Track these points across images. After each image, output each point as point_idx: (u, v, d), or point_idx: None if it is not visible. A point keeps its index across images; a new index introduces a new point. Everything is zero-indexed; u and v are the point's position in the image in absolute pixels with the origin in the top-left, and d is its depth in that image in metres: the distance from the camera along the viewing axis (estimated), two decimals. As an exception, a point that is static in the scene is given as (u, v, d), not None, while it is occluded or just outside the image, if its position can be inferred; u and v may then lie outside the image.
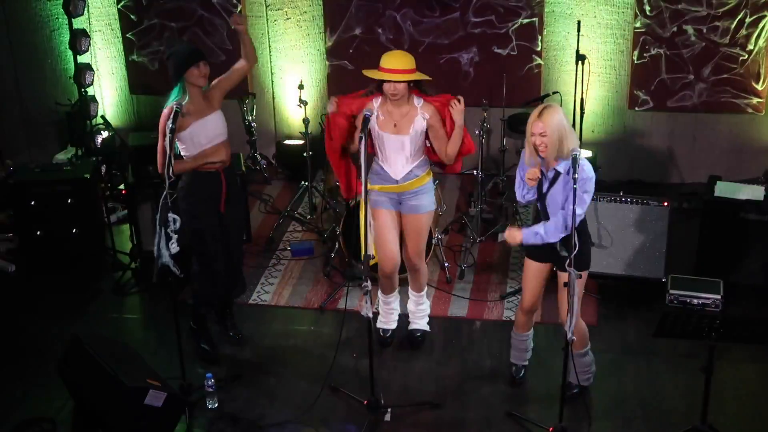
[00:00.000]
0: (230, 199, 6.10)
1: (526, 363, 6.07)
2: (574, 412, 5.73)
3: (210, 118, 5.89)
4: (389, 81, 5.67)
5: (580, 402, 5.80)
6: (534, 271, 5.61)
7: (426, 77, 5.83)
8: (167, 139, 5.44)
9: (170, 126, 5.49)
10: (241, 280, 6.75)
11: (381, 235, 6.07)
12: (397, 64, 5.68)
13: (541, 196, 5.35)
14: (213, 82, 5.99)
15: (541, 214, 5.42)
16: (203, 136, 5.86)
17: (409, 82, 5.74)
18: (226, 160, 6.01)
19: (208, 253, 6.08)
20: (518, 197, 5.50)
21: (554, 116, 5.09)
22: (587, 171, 5.16)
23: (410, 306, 6.51)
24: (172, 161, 5.41)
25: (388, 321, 6.52)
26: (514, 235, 5.41)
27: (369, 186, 5.85)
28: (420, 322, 6.53)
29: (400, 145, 5.85)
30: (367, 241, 5.36)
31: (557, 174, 5.23)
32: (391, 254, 6.11)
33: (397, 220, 6.11)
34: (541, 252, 5.51)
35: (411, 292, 6.46)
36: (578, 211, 5.10)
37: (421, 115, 5.82)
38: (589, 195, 5.20)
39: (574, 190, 4.94)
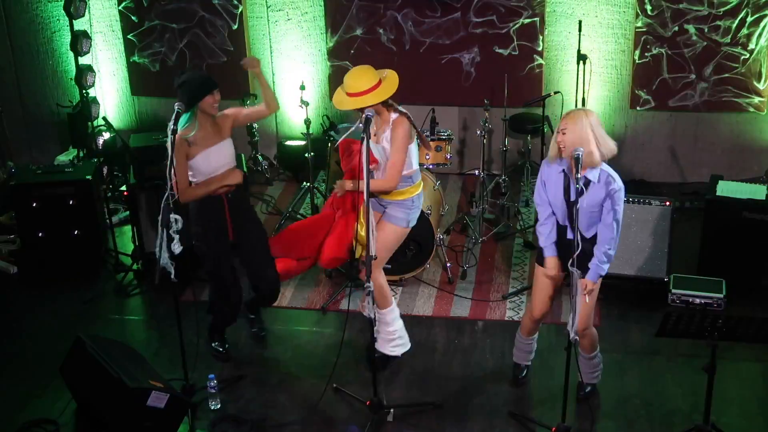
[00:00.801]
0: (240, 222, 6.06)
1: (529, 363, 6.07)
2: (577, 411, 5.74)
3: (215, 148, 5.85)
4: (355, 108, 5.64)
5: (583, 402, 5.80)
6: (546, 281, 5.57)
7: (389, 90, 5.64)
8: (168, 139, 5.45)
9: (171, 127, 5.49)
10: (275, 289, 6.42)
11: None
12: (357, 86, 5.60)
13: (569, 203, 5.25)
14: (228, 111, 5.98)
15: (567, 220, 5.31)
16: (206, 165, 5.84)
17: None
18: (232, 186, 6.00)
19: (220, 276, 6.09)
20: (540, 227, 5.48)
21: (580, 120, 5.05)
22: (616, 183, 5.16)
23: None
24: (174, 162, 5.42)
25: (387, 347, 6.25)
26: (590, 285, 5.32)
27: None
28: (385, 345, 6.17)
29: (378, 153, 5.80)
30: (370, 242, 5.36)
31: (588, 182, 5.17)
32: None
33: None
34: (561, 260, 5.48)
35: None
36: (615, 227, 5.19)
37: (390, 127, 5.74)
38: (622, 207, 5.21)
39: (577, 189, 4.94)
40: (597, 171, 5.14)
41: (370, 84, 5.61)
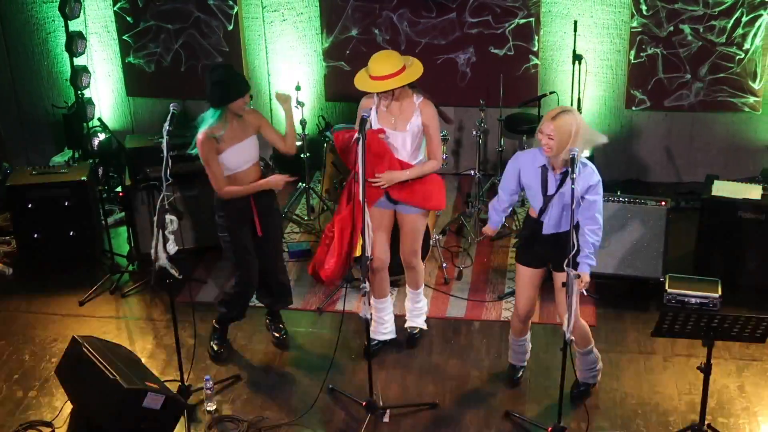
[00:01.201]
0: (266, 221, 6.11)
1: (525, 364, 6.08)
2: (572, 412, 5.74)
3: (241, 145, 5.89)
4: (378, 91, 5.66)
5: (578, 402, 5.80)
6: (528, 277, 5.61)
7: (416, 74, 5.73)
8: (163, 140, 5.45)
9: (167, 128, 5.48)
10: (287, 291, 6.56)
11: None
12: (382, 69, 5.63)
13: (546, 198, 5.31)
14: (257, 115, 6.03)
15: (544, 214, 5.36)
16: (234, 161, 5.88)
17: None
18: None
19: (245, 265, 6.10)
20: (497, 202, 5.63)
21: (567, 124, 5.07)
22: (596, 175, 5.21)
23: (407, 304, 6.49)
24: (169, 162, 5.41)
25: (376, 330, 6.35)
26: (586, 279, 5.33)
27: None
28: (417, 320, 6.50)
29: (397, 141, 5.82)
30: (366, 243, 5.36)
31: (566, 174, 5.19)
32: (379, 253, 6.05)
33: (390, 219, 6.08)
34: (535, 256, 5.51)
35: (408, 289, 6.44)
36: (599, 218, 5.25)
37: (418, 111, 5.79)
38: (601, 197, 5.28)
39: (572, 190, 4.95)
40: (577, 164, 5.17)
41: (395, 69, 5.63)
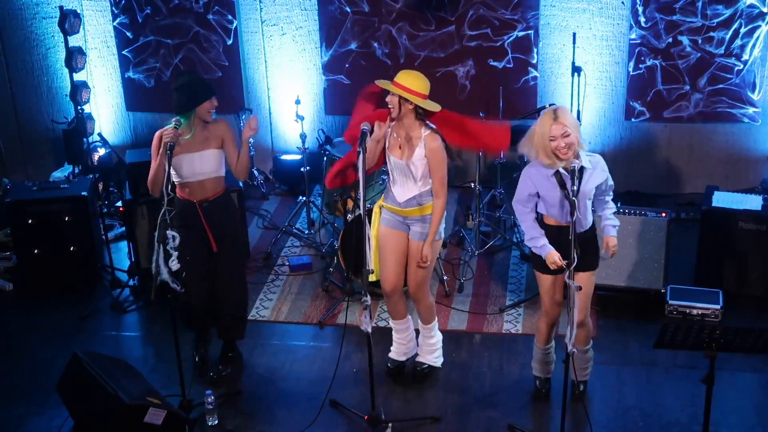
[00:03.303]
0: (220, 233, 6.00)
1: (550, 376, 6.02)
2: (575, 424, 5.73)
3: (191, 156, 5.83)
4: (391, 92, 5.64)
5: (581, 414, 5.79)
6: (551, 282, 5.55)
7: (426, 106, 5.66)
8: (166, 156, 5.45)
9: (169, 144, 5.49)
10: (238, 323, 6.41)
11: (382, 255, 5.96)
12: (408, 82, 5.60)
13: (572, 199, 5.14)
14: (225, 129, 5.96)
15: (569, 214, 5.14)
16: (183, 170, 5.83)
17: (418, 109, 5.64)
18: (209, 196, 5.97)
19: (188, 283, 5.87)
20: (527, 238, 5.51)
21: (569, 114, 5.11)
22: (601, 158, 5.39)
23: (420, 338, 6.33)
24: (171, 177, 5.42)
25: (396, 352, 6.30)
26: (613, 241, 5.52)
27: (383, 203, 5.90)
28: (428, 356, 6.28)
29: (403, 169, 5.76)
30: (367, 256, 5.35)
31: (583, 168, 5.18)
32: (389, 276, 5.97)
33: (404, 243, 5.96)
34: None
35: (420, 324, 6.26)
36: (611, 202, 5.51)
37: (423, 143, 5.71)
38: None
39: (573, 192, 4.97)
40: (585, 156, 5.17)
41: (419, 89, 5.61)
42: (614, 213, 5.57)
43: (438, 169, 5.72)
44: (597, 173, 5.30)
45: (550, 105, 8.09)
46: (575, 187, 5.10)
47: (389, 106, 5.64)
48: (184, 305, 6.11)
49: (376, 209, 6.00)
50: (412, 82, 5.60)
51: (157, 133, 5.78)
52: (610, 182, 5.46)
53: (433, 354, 6.27)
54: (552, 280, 5.54)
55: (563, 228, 5.27)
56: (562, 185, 5.18)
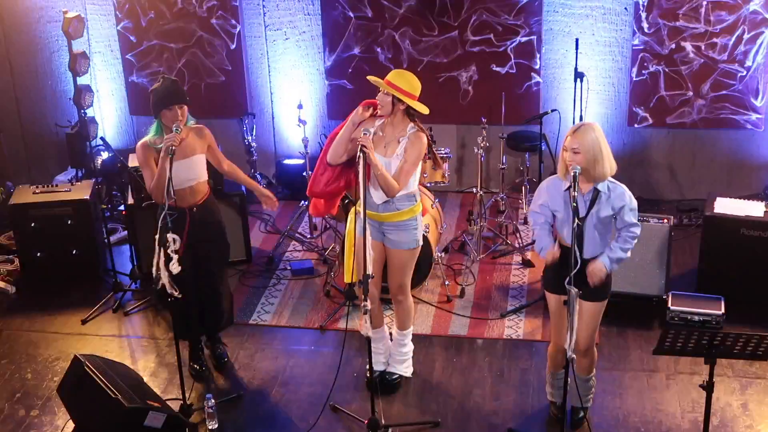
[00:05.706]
0: (198, 236, 5.96)
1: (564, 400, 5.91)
2: (576, 429, 5.72)
3: (185, 162, 5.82)
4: (380, 89, 5.64)
5: (581, 419, 5.78)
6: (559, 303, 5.37)
7: (418, 107, 5.66)
8: (167, 162, 5.46)
9: (171, 148, 5.51)
10: (222, 315, 6.42)
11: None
12: (394, 79, 5.63)
13: (579, 221, 5.10)
14: (211, 139, 6.00)
15: (575, 237, 5.06)
16: (175, 177, 5.72)
17: (410, 109, 5.65)
18: (198, 201, 5.98)
19: (183, 290, 5.82)
20: (538, 246, 5.44)
21: (589, 135, 5.05)
22: (627, 194, 5.25)
23: (392, 345, 6.27)
24: (172, 183, 5.43)
25: (375, 361, 6.07)
26: (600, 269, 5.27)
27: (358, 208, 5.81)
28: (398, 366, 6.21)
29: (385, 167, 5.70)
30: (366, 261, 5.35)
31: (598, 193, 5.17)
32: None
33: (381, 252, 5.94)
34: (561, 283, 5.27)
35: (394, 329, 6.22)
36: (636, 230, 5.30)
37: (406, 138, 5.69)
38: (635, 215, 5.31)
39: (573, 207, 4.95)
40: (606, 183, 5.15)
41: (410, 89, 5.61)
42: (628, 240, 5.33)
43: (410, 160, 5.65)
44: (613, 201, 5.18)
45: (552, 110, 8.17)
46: (585, 212, 5.13)
47: (379, 103, 5.66)
48: (181, 314, 6.07)
49: (351, 215, 6.00)
50: (405, 83, 5.62)
51: (140, 144, 5.81)
52: (629, 220, 5.25)
53: (403, 363, 6.23)
54: (558, 300, 5.43)
55: (570, 250, 5.13)
56: (576, 210, 5.06)
